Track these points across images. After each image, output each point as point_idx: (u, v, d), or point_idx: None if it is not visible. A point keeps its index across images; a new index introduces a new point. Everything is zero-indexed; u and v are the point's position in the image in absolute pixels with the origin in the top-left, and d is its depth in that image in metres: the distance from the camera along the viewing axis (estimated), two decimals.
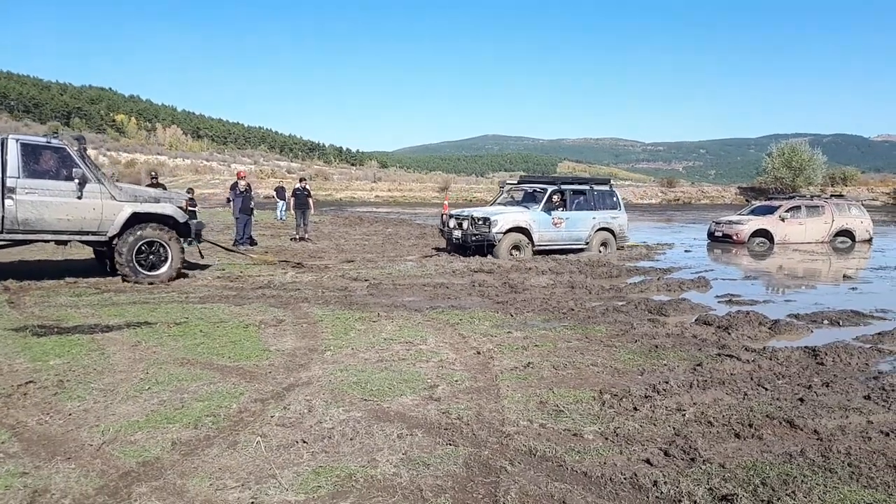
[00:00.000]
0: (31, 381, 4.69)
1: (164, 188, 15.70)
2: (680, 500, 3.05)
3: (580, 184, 15.17)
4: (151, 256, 9.42)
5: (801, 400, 4.60)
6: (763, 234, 17.76)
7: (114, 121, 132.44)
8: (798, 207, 18.37)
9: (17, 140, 8.62)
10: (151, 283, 9.15)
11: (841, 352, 5.95)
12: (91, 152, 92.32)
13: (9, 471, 3.27)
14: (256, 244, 15.45)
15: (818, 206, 18.59)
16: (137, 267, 9.27)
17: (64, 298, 8.02)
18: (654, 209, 48.10)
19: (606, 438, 3.84)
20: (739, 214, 19.60)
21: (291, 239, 17.65)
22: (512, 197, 15.34)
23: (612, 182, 15.94)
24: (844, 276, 12.08)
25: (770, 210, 18.52)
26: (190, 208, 16.32)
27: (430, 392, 4.62)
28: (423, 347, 5.93)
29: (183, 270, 9.96)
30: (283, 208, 25.31)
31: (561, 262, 12.47)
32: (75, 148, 9.10)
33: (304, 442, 3.69)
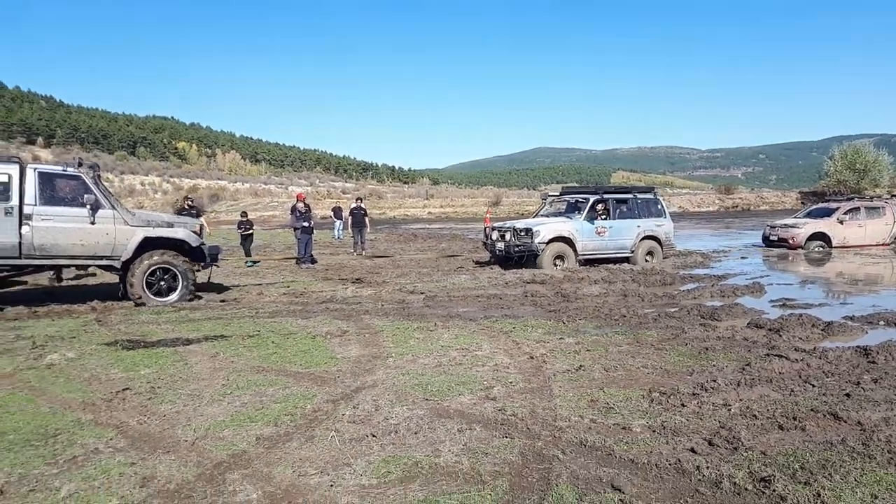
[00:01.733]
0: (127, 388, 5.22)
1: (199, 212, 16.27)
2: (721, 482, 3.29)
3: (623, 192, 15.26)
4: (163, 282, 9.68)
5: (848, 395, 4.75)
6: (820, 237, 17.46)
7: (176, 148, 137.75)
8: (857, 209, 17.98)
9: (34, 169, 9.10)
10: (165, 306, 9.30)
11: (893, 350, 6.01)
12: (155, 179, 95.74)
13: (120, 461, 3.73)
14: (317, 262, 16.07)
15: (878, 208, 18.16)
16: (148, 292, 9.53)
17: (145, 316, 8.65)
18: (712, 217, 47.23)
19: (654, 431, 4.08)
20: (795, 218, 19.30)
21: (350, 255, 18.24)
22: (556, 208, 15.53)
23: (656, 190, 15.99)
24: None
25: (827, 212, 18.19)
26: (247, 230, 17.12)
27: (487, 392, 4.94)
28: (478, 353, 6.26)
29: (198, 293, 10.18)
30: (340, 227, 26.05)
31: (613, 272, 12.63)
32: (90, 175, 9.43)
33: (374, 436, 4.06)
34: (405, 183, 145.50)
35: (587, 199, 14.47)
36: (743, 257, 16.58)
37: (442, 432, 4.10)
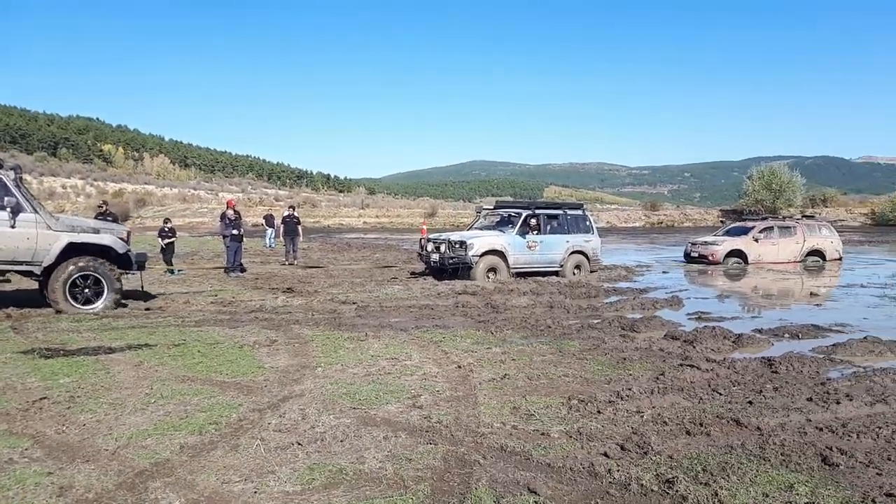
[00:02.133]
0: (44, 398, 5.08)
1: (116, 218, 15.65)
2: (629, 484, 3.50)
3: (554, 208, 15.70)
4: (87, 290, 9.38)
5: (751, 403, 5.08)
6: (737, 254, 18.39)
7: (101, 151, 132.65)
8: (771, 228, 19.03)
9: None
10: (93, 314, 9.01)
11: (794, 361, 6.44)
12: (78, 182, 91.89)
13: (36, 471, 3.66)
14: (246, 270, 15.84)
15: (790, 227, 19.26)
16: (70, 300, 9.22)
17: (65, 324, 8.39)
18: (638, 232, 48.85)
19: (570, 436, 4.28)
20: (715, 235, 20.25)
21: (281, 265, 18.06)
22: (490, 221, 15.84)
23: (584, 206, 16.52)
24: (811, 294, 12.65)
25: (744, 231, 19.17)
26: (168, 238, 16.50)
27: (414, 401, 5.05)
28: (407, 363, 6.37)
29: (123, 301, 9.91)
30: (272, 235, 25.73)
31: (542, 284, 12.97)
32: (11, 177, 9.05)
33: (299, 444, 4.10)
34: (341, 192, 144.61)
35: (520, 214, 14.81)
36: (664, 272, 17.28)
37: (368, 440, 4.18)
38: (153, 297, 11.12)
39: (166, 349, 6.87)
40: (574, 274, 15.05)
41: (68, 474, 3.63)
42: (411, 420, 4.59)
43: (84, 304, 9.35)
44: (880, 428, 4.45)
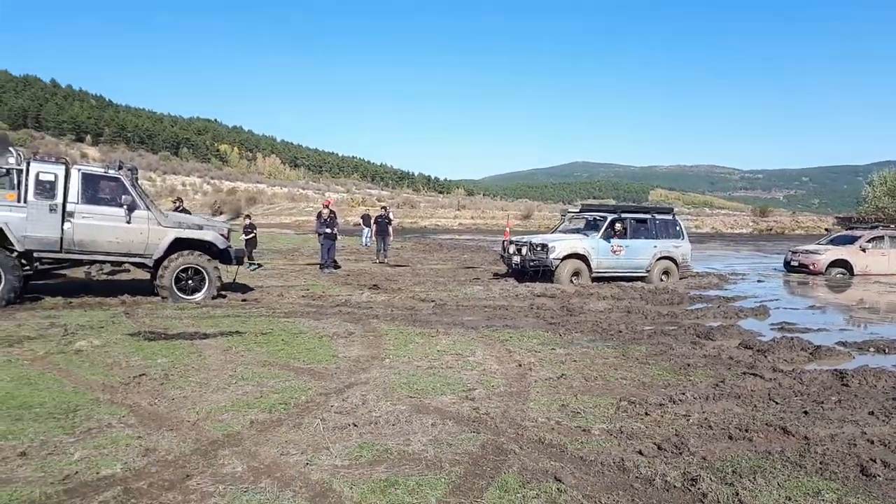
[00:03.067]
0: (143, 374, 5.74)
1: (188, 213, 16.49)
2: (653, 480, 3.65)
3: (641, 213, 15.49)
4: (191, 281, 10.24)
5: (806, 413, 5.04)
6: (842, 264, 17.44)
7: (218, 150, 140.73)
8: (881, 237, 17.91)
9: (78, 170, 9.78)
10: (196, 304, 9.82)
11: (868, 375, 6.23)
12: (196, 180, 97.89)
13: (128, 435, 4.23)
14: (340, 267, 16.61)
15: None
16: (176, 290, 10.05)
17: (170, 311, 9.24)
18: (744, 239, 46.83)
19: (610, 434, 4.44)
20: (818, 244, 19.28)
21: (373, 263, 18.78)
22: (575, 225, 15.84)
23: (674, 211, 16.20)
24: None
25: (851, 240, 18.15)
26: (249, 234, 17.34)
27: (468, 393, 5.35)
28: (470, 359, 6.66)
29: (223, 292, 10.71)
30: (368, 235, 26.63)
31: (624, 289, 12.90)
32: (128, 177, 10.02)
33: (355, 425, 4.49)
34: (440, 193, 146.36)
35: (605, 218, 14.75)
36: (759, 280, 16.66)
37: (417, 425, 4.51)
38: (251, 289, 11.95)
39: (254, 337, 7.49)
40: (661, 280, 14.81)
41: (154, 439, 4.17)
42: (461, 411, 4.89)
43: (188, 294, 10.23)
44: None
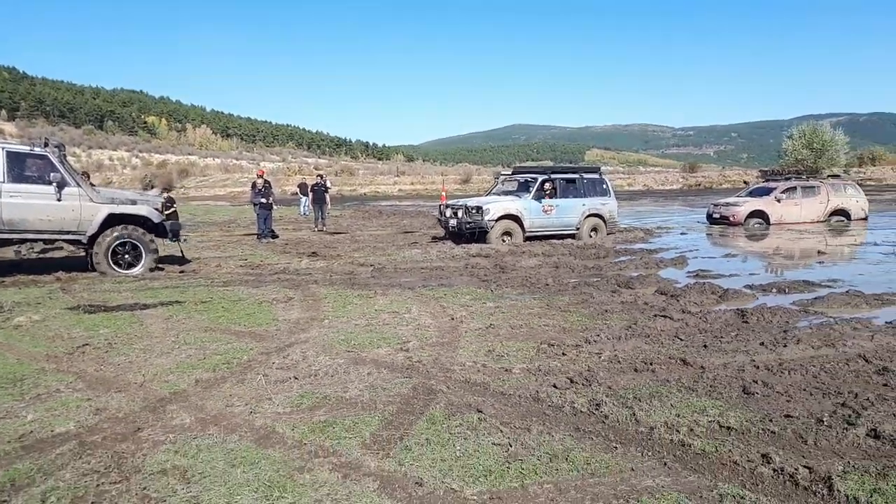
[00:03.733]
0: (87, 344, 5.91)
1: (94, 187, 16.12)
2: (563, 407, 4.12)
3: (570, 173, 16.09)
4: (127, 256, 10.31)
5: (705, 346, 5.62)
6: (759, 215, 18.50)
7: (145, 122, 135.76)
8: (794, 188, 19.05)
9: (3, 148, 9.61)
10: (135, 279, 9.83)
11: (766, 312, 6.91)
12: (124, 154, 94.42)
13: (78, 398, 4.45)
14: (278, 237, 16.70)
15: (814, 187, 19.25)
16: (112, 265, 10.16)
17: (107, 285, 9.29)
18: (675, 194, 48.47)
19: (529, 372, 4.91)
20: (737, 197, 20.34)
21: (311, 231, 18.89)
22: (508, 187, 16.33)
23: (601, 169, 16.87)
24: (819, 252, 12.89)
25: (767, 191, 19.24)
26: (169, 208, 17.13)
27: (402, 346, 5.74)
28: (406, 316, 7.04)
29: (160, 265, 10.70)
30: (306, 204, 26.59)
31: (555, 246, 13.49)
32: (56, 154, 9.92)
33: (296, 378, 4.82)
34: (379, 160, 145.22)
35: (536, 179, 15.26)
36: (683, 233, 17.55)
37: (354, 375, 4.88)
38: (188, 261, 12.00)
39: (194, 305, 7.69)
40: (591, 236, 15.48)
41: (104, 400, 4.41)
42: (396, 361, 5.27)
43: (125, 268, 10.26)
44: (812, 366, 4.96)
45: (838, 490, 2.98)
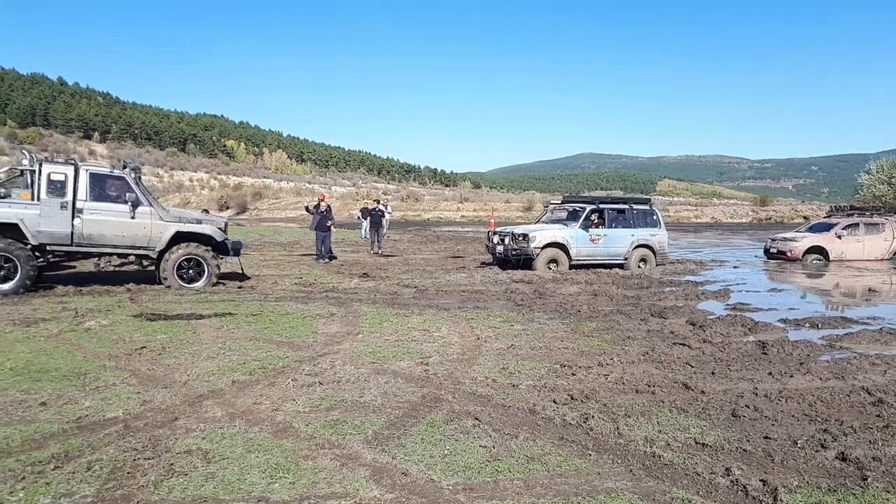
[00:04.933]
0: (144, 347, 6.60)
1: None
2: (554, 419, 4.47)
3: (620, 203, 16.27)
4: (191, 271, 11.18)
5: (713, 373, 5.84)
6: (818, 251, 18.15)
7: (224, 146, 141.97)
8: (856, 225, 18.61)
9: (86, 170, 10.66)
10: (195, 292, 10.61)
11: (787, 345, 7.03)
12: (203, 176, 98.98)
13: (129, 391, 5.08)
14: (335, 258, 17.46)
15: (878, 224, 18.75)
16: (178, 279, 11.02)
17: (170, 297, 10.10)
18: (742, 228, 47.42)
19: (535, 388, 5.26)
20: (796, 232, 19.98)
21: (368, 254, 19.62)
22: (557, 216, 16.63)
23: (651, 201, 16.97)
24: (869, 290, 12.64)
25: (827, 227, 18.85)
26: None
27: (424, 360, 6.18)
28: (435, 334, 7.48)
29: (222, 280, 11.50)
30: (366, 227, 27.46)
31: (600, 275, 13.70)
32: (132, 176, 10.92)
33: (320, 383, 5.32)
34: (446, 186, 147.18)
35: (584, 209, 15.53)
36: (735, 267, 17.40)
37: (373, 383, 5.34)
38: (248, 277, 12.81)
39: (244, 317, 8.35)
40: (639, 267, 15.59)
41: (150, 394, 5.01)
42: (414, 372, 5.72)
43: (189, 282, 11.11)
44: (811, 396, 5.13)
45: (781, 500, 3.24)
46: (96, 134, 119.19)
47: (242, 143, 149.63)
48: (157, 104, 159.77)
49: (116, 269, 13.72)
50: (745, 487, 3.40)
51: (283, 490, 3.32)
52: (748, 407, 4.80)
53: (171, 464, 3.63)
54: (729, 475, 3.55)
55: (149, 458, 3.70)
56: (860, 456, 3.83)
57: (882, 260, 18.38)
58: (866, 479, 3.51)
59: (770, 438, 4.16)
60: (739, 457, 3.86)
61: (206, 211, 17.56)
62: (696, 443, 4.07)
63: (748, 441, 4.11)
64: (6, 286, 9.77)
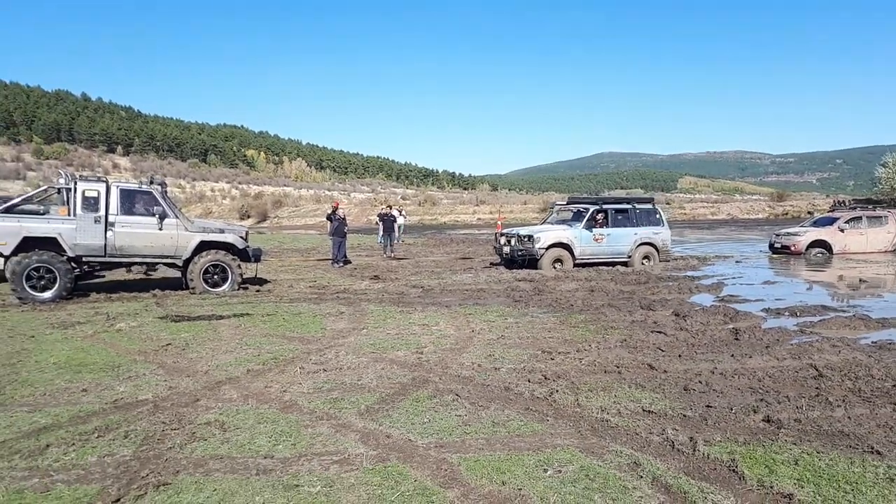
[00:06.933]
0: (169, 344, 7.36)
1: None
2: (524, 394, 5.12)
3: (622, 203, 16.83)
4: (215, 276, 11.99)
5: (679, 356, 6.45)
6: (821, 244, 18.54)
7: (245, 156, 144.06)
8: (859, 218, 18.96)
9: (118, 186, 11.52)
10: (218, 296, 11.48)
11: (758, 331, 7.60)
12: (224, 186, 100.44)
13: (157, 379, 5.82)
14: (350, 262, 18.22)
15: (880, 217, 19.09)
16: (204, 284, 11.85)
17: (193, 300, 10.90)
18: (757, 224, 47.52)
19: (514, 371, 5.91)
20: (800, 226, 20.36)
21: (381, 257, 20.36)
22: (563, 216, 17.23)
23: (654, 200, 17.50)
24: (860, 280, 13.08)
25: (830, 221, 19.23)
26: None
27: (419, 349, 6.85)
28: (434, 328, 8.16)
29: (244, 285, 12.43)
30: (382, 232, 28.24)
31: (600, 273, 14.29)
32: (159, 191, 11.81)
33: (325, 370, 6.02)
34: (465, 189, 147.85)
35: (588, 209, 16.12)
36: (737, 262, 17.84)
37: (370, 370, 6.03)
38: (266, 282, 13.59)
39: (260, 317, 9.09)
40: (643, 264, 16.14)
41: (175, 381, 5.75)
42: (409, 360, 6.40)
43: (213, 286, 11.93)
44: (762, 373, 5.72)
45: (699, 451, 3.86)
46: (119, 147, 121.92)
47: (262, 153, 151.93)
48: (178, 116, 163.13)
49: (144, 275, 14.63)
50: (672, 442, 4.02)
51: (285, 450, 4.02)
52: (700, 383, 5.41)
53: (193, 432, 4.34)
54: (663, 434, 4.18)
55: (175, 429, 4.41)
56: (783, 418, 4.43)
57: (885, 252, 18.71)
58: (778, 435, 4.12)
59: (711, 407, 4.77)
60: (679, 421, 4.49)
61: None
62: (644, 410, 4.70)
63: (690, 409, 4.73)
64: (46, 294, 10.63)
